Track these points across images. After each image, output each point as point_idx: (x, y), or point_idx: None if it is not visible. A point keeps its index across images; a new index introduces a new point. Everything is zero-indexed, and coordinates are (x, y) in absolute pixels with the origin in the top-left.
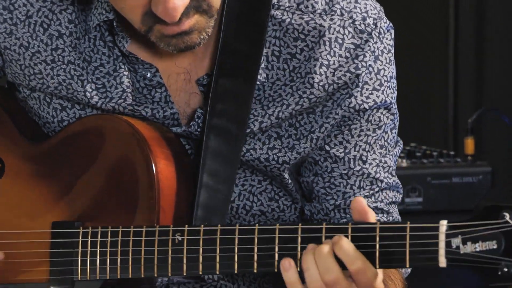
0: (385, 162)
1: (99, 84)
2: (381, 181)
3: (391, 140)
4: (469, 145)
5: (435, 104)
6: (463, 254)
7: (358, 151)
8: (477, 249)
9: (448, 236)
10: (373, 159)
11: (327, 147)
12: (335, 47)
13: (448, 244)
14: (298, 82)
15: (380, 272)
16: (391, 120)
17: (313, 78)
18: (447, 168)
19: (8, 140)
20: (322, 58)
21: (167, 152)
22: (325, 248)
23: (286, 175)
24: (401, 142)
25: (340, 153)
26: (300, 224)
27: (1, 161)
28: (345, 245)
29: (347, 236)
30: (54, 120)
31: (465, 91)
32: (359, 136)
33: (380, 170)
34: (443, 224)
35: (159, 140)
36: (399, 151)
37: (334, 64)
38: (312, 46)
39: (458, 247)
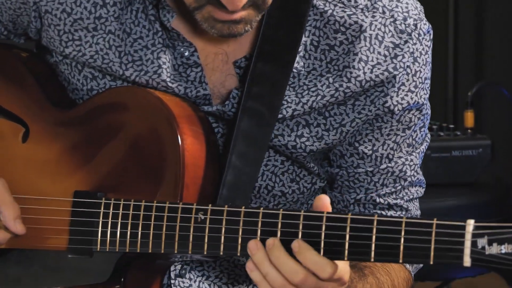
0: (411, 160)
1: (136, 57)
2: (405, 180)
3: (419, 138)
4: (469, 118)
5: (435, 77)
6: (488, 255)
7: (385, 150)
8: (503, 251)
9: (474, 236)
10: (399, 157)
11: (355, 144)
12: (375, 44)
13: (474, 244)
14: (335, 75)
15: (344, 266)
16: (421, 120)
17: (351, 72)
18: (447, 141)
19: (34, 105)
20: (362, 54)
21: (195, 130)
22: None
23: (311, 164)
24: (429, 136)
25: (368, 150)
26: (325, 212)
27: (26, 126)
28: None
29: (371, 229)
30: (84, 88)
31: (465, 65)
32: (388, 135)
33: (405, 168)
34: (470, 223)
35: (188, 118)
36: (426, 146)
37: (372, 61)
38: (352, 40)
39: (483, 248)
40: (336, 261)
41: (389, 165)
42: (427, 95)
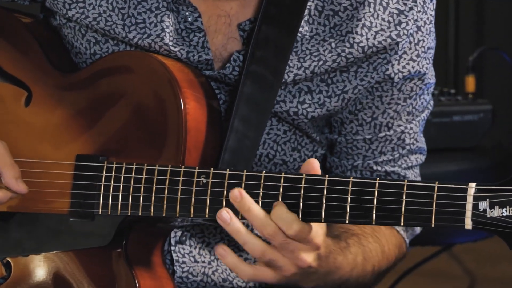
0: (411, 128)
1: (139, 19)
2: (403, 148)
3: (419, 106)
4: (470, 83)
5: (436, 42)
6: (489, 218)
7: (385, 118)
8: (504, 214)
9: (475, 199)
10: (399, 125)
11: (356, 111)
12: (379, 9)
13: (475, 207)
14: (337, 40)
15: (316, 229)
16: (421, 89)
17: (353, 38)
18: (448, 106)
19: (37, 69)
20: (365, 19)
21: (197, 95)
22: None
23: (311, 130)
24: (432, 104)
25: (368, 117)
26: (327, 176)
27: (29, 90)
28: (279, 211)
29: (373, 192)
30: (87, 52)
31: (466, 29)
32: (389, 103)
33: (404, 136)
34: (472, 186)
35: (191, 82)
36: (428, 113)
37: (376, 26)
38: (356, 6)
39: (485, 211)
40: (311, 223)
41: (388, 133)
42: (430, 65)
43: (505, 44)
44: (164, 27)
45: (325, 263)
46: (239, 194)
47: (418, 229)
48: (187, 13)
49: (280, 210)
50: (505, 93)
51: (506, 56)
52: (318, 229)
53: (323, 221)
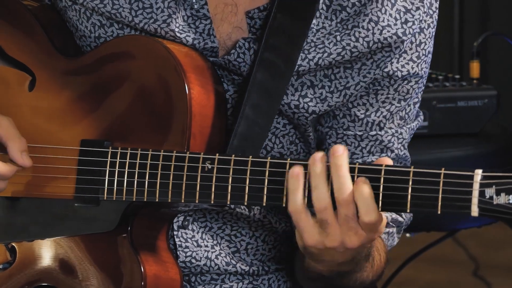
0: (401, 133)
1: (147, 4)
2: (392, 151)
3: (411, 114)
4: (475, 68)
5: (441, 27)
6: (496, 205)
7: (378, 117)
8: (511, 201)
9: (482, 185)
10: (390, 128)
11: (349, 105)
12: (387, 5)
13: (481, 194)
14: (343, 33)
15: (384, 219)
16: (417, 94)
17: (359, 32)
18: (453, 92)
19: (41, 54)
20: (372, 14)
21: (202, 80)
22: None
23: (310, 128)
24: (422, 116)
25: (361, 114)
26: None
27: (33, 74)
28: (366, 191)
29: (379, 179)
30: (91, 36)
31: (471, 15)
32: (383, 102)
33: (394, 140)
34: (478, 173)
35: (196, 67)
36: (417, 125)
37: (383, 21)
38: (364, 2)
39: (491, 198)
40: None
41: (379, 133)
42: (427, 70)
43: (510, 30)
44: (171, 12)
45: (355, 263)
46: (342, 150)
47: (396, 240)
48: (193, 0)
49: (366, 188)
50: (510, 78)
51: (510, 42)
52: (384, 218)
53: None
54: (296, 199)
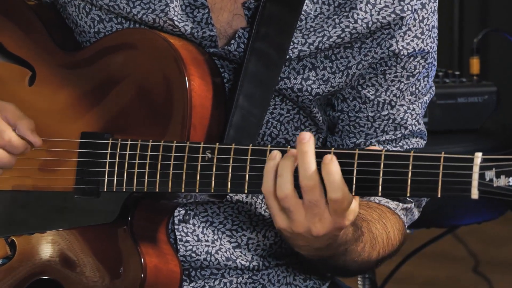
0: (413, 109)
1: None
2: (406, 128)
3: (422, 88)
4: (475, 65)
5: (440, 23)
6: (496, 188)
7: (388, 96)
8: (511, 183)
9: (482, 168)
10: (402, 105)
11: (359, 87)
12: None
13: (481, 176)
14: (341, 16)
15: (355, 203)
16: (426, 69)
17: (358, 14)
18: (453, 88)
19: (41, 49)
20: None
21: (202, 71)
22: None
23: (316, 109)
24: (434, 89)
25: (371, 95)
26: (332, 148)
27: (33, 69)
28: (334, 169)
29: (379, 164)
30: (91, 31)
31: (470, 11)
32: (392, 81)
33: (407, 116)
34: (478, 156)
35: (195, 59)
36: (430, 98)
37: (380, 3)
38: None
39: (491, 180)
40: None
41: (391, 111)
42: (434, 44)
43: (510, 26)
44: (169, 2)
45: (334, 249)
46: (309, 137)
47: (416, 215)
48: None
49: (335, 167)
50: (510, 75)
51: (510, 38)
52: (355, 207)
53: None
54: (268, 180)
